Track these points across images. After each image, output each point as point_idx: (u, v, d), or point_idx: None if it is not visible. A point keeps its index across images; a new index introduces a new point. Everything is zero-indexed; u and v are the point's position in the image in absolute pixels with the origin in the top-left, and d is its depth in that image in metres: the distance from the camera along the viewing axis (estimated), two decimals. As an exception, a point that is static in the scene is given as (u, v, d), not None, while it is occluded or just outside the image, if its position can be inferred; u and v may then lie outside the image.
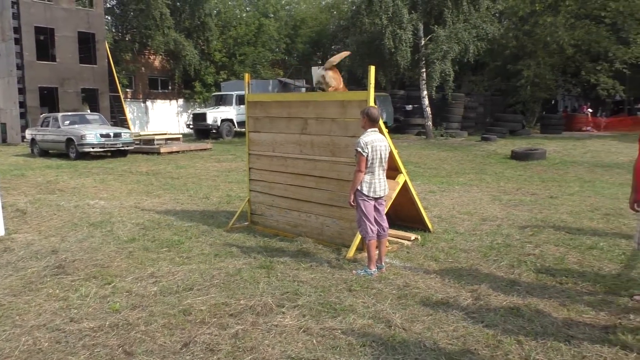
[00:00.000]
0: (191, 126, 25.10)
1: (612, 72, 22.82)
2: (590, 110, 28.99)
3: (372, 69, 5.37)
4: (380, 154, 4.81)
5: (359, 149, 4.71)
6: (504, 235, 6.33)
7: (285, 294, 4.30)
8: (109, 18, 30.05)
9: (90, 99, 25.99)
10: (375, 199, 4.89)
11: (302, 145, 6.23)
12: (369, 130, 4.83)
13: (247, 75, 6.96)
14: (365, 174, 4.78)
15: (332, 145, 5.86)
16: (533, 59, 22.73)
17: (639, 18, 21.89)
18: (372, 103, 5.37)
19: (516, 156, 15.26)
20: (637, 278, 4.66)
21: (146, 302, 4.14)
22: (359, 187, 4.80)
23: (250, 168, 7.04)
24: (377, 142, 4.78)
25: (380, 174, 4.87)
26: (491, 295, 4.27)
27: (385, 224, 5.00)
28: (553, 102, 35.10)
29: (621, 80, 23.81)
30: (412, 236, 6.18)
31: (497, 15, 23.10)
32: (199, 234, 6.47)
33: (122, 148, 16.50)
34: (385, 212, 5.09)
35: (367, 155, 4.72)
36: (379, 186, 4.85)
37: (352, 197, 4.85)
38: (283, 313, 3.90)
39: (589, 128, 26.77)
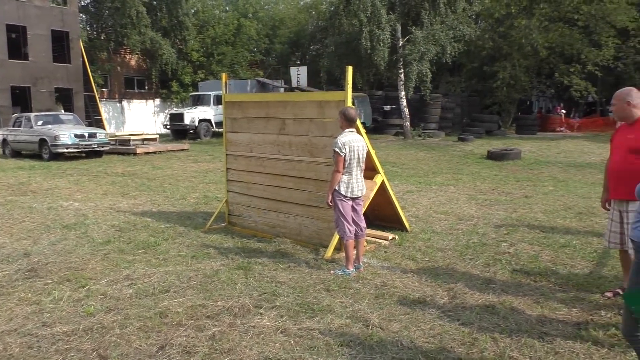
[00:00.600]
0: (168, 126, 24.83)
1: (585, 74, 23.37)
2: (563, 111, 29.58)
3: (350, 69, 5.39)
4: (358, 154, 4.84)
5: (337, 149, 4.73)
6: (479, 234, 6.41)
7: (263, 294, 4.28)
8: (84, 16, 29.53)
9: (64, 98, 25.53)
10: (353, 199, 4.92)
11: (280, 145, 6.22)
12: (347, 130, 4.86)
13: (224, 75, 6.92)
14: (343, 174, 4.80)
15: (310, 145, 5.86)
16: (508, 61, 23.12)
17: (610, 21, 22.46)
18: (349, 103, 5.39)
19: (492, 156, 15.50)
20: (608, 275, 4.77)
21: (121, 305, 4.08)
22: (336, 187, 4.82)
23: (227, 169, 7.00)
24: (354, 142, 4.81)
25: (357, 174, 4.89)
26: (467, 294, 4.32)
27: (363, 224, 5.04)
28: (528, 103, 35.77)
29: (593, 82, 24.40)
30: (390, 236, 6.23)
31: (473, 17, 23.41)
32: (176, 236, 6.40)
33: (97, 149, 16.23)
34: (362, 212, 5.11)
35: (345, 156, 4.75)
36: (356, 186, 4.88)
37: (330, 197, 4.87)
38: (261, 314, 3.89)
39: (562, 129, 27.32)
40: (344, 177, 4.81)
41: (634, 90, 3.98)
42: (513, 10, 22.45)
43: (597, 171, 12.24)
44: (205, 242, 6.10)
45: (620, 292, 4.25)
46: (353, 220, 4.93)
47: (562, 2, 22.47)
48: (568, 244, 5.85)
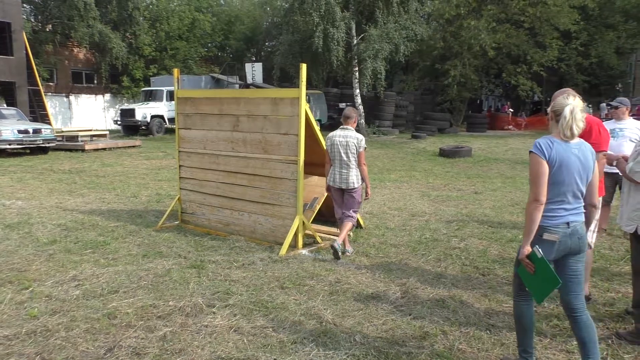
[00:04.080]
0: (119, 122, 24.07)
1: (531, 74, 24.25)
2: (511, 110, 30.63)
3: (304, 66, 5.39)
4: (339, 148, 5.31)
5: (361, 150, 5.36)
6: (431, 230, 6.55)
7: (216, 293, 4.22)
8: (27, 7, 28.14)
9: (6, 92, 24.22)
10: (339, 189, 5.44)
11: (234, 142, 6.14)
12: (340, 127, 5.43)
13: (176, 71, 6.77)
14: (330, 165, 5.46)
15: (265, 142, 5.82)
16: (459, 60, 23.69)
17: (554, 24, 23.40)
18: (304, 101, 5.40)
19: (444, 153, 15.87)
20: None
21: (67, 307, 3.92)
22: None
23: (180, 166, 6.86)
24: (335, 136, 5.34)
25: (341, 166, 5.34)
26: (419, 289, 4.40)
27: (346, 210, 5.48)
28: (478, 102, 36.81)
29: (539, 82, 25.36)
30: (344, 232, 6.26)
31: (425, 17, 23.86)
32: (126, 234, 6.22)
33: (43, 145, 15.53)
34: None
35: (328, 148, 5.41)
36: (339, 177, 5.38)
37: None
38: (213, 313, 3.83)
39: (510, 127, 28.29)
40: (330, 168, 5.46)
41: (569, 90, 4.15)
42: (462, 12, 23.01)
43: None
44: (157, 240, 5.96)
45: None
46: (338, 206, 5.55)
47: (508, 4, 23.21)
48: (515, 238, 6.06)
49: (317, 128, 5.86)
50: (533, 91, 24.98)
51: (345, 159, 5.28)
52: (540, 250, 2.71)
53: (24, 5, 26.78)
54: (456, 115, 28.51)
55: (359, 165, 5.32)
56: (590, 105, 33.60)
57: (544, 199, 2.70)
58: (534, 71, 23.80)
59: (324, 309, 3.90)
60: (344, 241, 5.41)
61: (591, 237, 4.06)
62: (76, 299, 4.10)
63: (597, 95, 31.05)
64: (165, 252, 5.49)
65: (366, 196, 5.59)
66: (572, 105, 2.73)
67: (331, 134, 5.37)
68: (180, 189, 6.89)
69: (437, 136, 22.68)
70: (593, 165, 2.82)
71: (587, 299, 4.07)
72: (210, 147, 6.41)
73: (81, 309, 3.90)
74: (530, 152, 2.78)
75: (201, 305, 3.94)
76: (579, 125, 2.73)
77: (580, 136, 3.81)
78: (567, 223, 2.76)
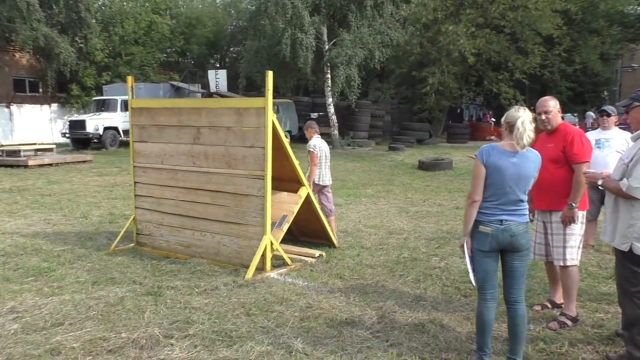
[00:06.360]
0: (68, 135, 23.61)
1: (513, 82, 24.85)
2: (493, 119, 31.29)
3: (270, 74, 5.41)
4: (325, 153, 6.87)
5: (311, 149, 6.73)
6: (410, 248, 6.60)
7: (174, 323, 4.15)
8: (-38, 7, 27.51)
9: (-62, 102, 23.56)
10: (324, 187, 6.87)
11: (194, 156, 6.10)
12: (315, 136, 6.96)
13: (130, 78, 6.71)
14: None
15: (228, 156, 5.80)
16: (437, 67, 24.13)
17: (536, 29, 24.08)
18: (270, 110, 5.41)
19: (423, 166, 16.08)
20: (536, 288, 5.06)
21: (3, 343, 3.79)
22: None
23: (135, 182, 6.76)
24: (322, 144, 6.92)
25: (327, 166, 6.95)
26: (397, 312, 4.42)
27: (331, 206, 7.01)
28: (459, 111, 37.53)
29: (521, 90, 26.00)
30: (317, 253, 6.26)
31: (401, 21, 24.27)
32: (74, 259, 6.07)
33: (-21, 161, 15.11)
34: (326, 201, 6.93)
35: (317, 152, 6.73)
36: (327, 176, 6.90)
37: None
38: (171, 345, 3.76)
39: (492, 137, 28.86)
40: (316, 170, 6.74)
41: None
42: (440, 16, 23.50)
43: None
44: (109, 265, 5.84)
45: (549, 306, 4.52)
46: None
47: (488, 8, 23.81)
48: (498, 256, 6.14)
49: (285, 140, 5.86)
50: (516, 99, 25.59)
51: (328, 162, 6.98)
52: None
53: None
54: (435, 126, 28.97)
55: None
56: (575, 115, 34.69)
57: (478, 197, 3.36)
58: (516, 78, 24.39)
59: (294, 337, 3.87)
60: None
61: (576, 253, 4.15)
62: (14, 333, 3.96)
63: (582, 103, 32.03)
64: (118, 278, 5.37)
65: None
66: (523, 117, 3.28)
67: (318, 140, 6.88)
68: (136, 207, 6.78)
69: (415, 148, 22.97)
70: (535, 174, 3.45)
71: (575, 320, 4.15)
72: (169, 161, 6.34)
73: (19, 344, 3.77)
74: (475, 156, 3.42)
75: (158, 337, 3.86)
76: (529, 135, 3.28)
77: (562, 147, 3.92)
78: (501, 220, 3.32)
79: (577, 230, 4.15)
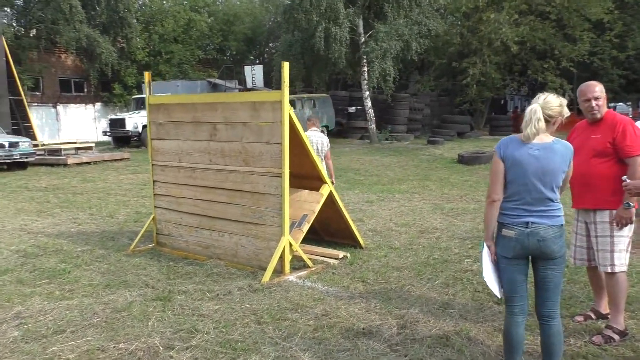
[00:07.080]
0: (108, 133, 24.00)
1: (560, 71, 23.71)
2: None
3: (286, 65, 5.11)
4: (317, 147, 6.71)
5: None
6: (442, 249, 6.18)
7: (178, 332, 3.89)
8: (9, 10, 28.34)
9: (-15, 104, 24.33)
10: None
11: (211, 153, 5.85)
12: (311, 129, 6.97)
13: (147, 74, 6.51)
14: None
15: (245, 153, 5.52)
16: (478, 57, 23.28)
17: (585, 14, 22.87)
18: (287, 103, 5.10)
19: (463, 160, 15.46)
20: (579, 295, 4.57)
21: (0, 352, 3.62)
22: None
23: (154, 181, 6.59)
24: (312, 137, 6.72)
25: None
26: (420, 322, 4.03)
27: None
28: (502, 102, 36.31)
29: (569, 79, 24.80)
30: (341, 254, 5.92)
31: (440, 10, 23.53)
32: (92, 261, 5.93)
33: (21, 160, 15.42)
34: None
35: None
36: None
37: None
38: (170, 357, 3.50)
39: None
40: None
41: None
42: (481, 4, 22.62)
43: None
44: (126, 267, 5.66)
45: (593, 316, 4.03)
46: None
47: (532, -6, 22.81)
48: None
49: (304, 135, 5.54)
50: (563, 89, 24.43)
51: (321, 155, 6.87)
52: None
53: (5, 8, 26.99)
54: (477, 118, 28.04)
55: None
56: (629, 104, 32.98)
57: (496, 196, 2.99)
58: (563, 67, 23.25)
59: (303, 350, 3.55)
60: None
61: (625, 258, 3.66)
62: (13, 341, 3.78)
63: (636, 91, 30.34)
64: (131, 280, 5.18)
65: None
66: (534, 105, 2.96)
67: (310, 132, 6.83)
68: (155, 207, 6.60)
69: (456, 141, 22.23)
70: (565, 168, 2.98)
71: (623, 334, 3.66)
72: (186, 159, 6.12)
73: (16, 354, 3.58)
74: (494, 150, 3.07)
75: (157, 348, 3.61)
76: (535, 125, 2.92)
77: (612, 138, 3.36)
78: (527, 223, 2.92)
79: (626, 232, 3.66)
